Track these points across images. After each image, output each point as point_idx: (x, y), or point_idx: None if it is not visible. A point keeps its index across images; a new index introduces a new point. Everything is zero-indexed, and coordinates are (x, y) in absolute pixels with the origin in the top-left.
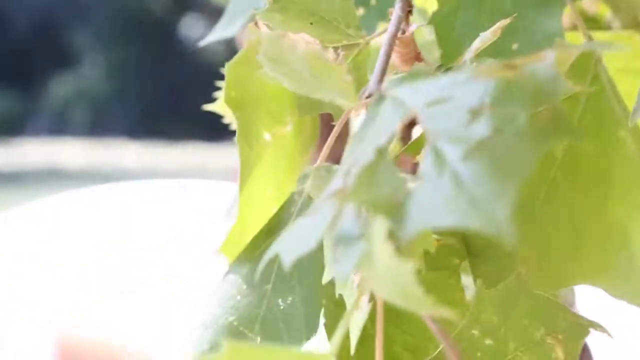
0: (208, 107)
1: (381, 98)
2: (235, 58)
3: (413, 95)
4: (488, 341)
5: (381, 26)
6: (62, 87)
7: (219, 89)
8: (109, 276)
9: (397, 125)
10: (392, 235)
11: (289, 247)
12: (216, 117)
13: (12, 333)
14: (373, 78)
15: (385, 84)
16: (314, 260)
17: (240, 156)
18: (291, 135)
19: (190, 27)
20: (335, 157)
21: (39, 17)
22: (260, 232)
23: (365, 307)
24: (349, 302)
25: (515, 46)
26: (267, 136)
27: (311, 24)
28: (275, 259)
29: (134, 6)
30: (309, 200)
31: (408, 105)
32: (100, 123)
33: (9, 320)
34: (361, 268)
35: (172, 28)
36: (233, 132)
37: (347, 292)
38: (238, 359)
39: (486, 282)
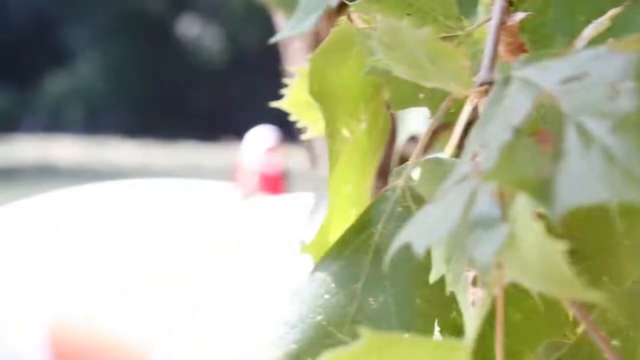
0: (274, 104)
1: (507, 81)
2: (320, 49)
3: (543, 75)
4: (615, 342)
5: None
6: (57, 85)
7: (216, 88)
8: (105, 273)
9: (530, 105)
10: (539, 215)
11: (418, 235)
12: (211, 117)
13: (7, 329)
14: (484, 66)
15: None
16: (407, 259)
17: (328, 151)
18: (365, 132)
19: (187, 25)
20: (386, 158)
21: (35, 15)
22: (349, 230)
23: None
24: (461, 299)
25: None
26: (345, 132)
27: (408, 15)
28: (366, 257)
29: (130, 4)
30: (404, 195)
31: (539, 84)
32: (95, 121)
33: (4, 316)
34: (504, 251)
35: (168, 26)
36: (227, 132)
37: (460, 288)
38: (378, 350)
39: (613, 281)
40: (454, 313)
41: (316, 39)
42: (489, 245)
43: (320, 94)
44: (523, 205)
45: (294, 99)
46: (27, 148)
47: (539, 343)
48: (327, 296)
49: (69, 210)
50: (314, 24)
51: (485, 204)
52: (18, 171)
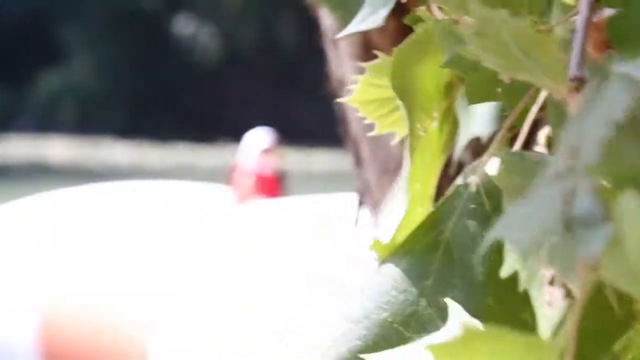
0: (341, 100)
1: (605, 76)
2: (403, 44)
3: None
4: None
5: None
6: (50, 84)
7: (211, 88)
8: (103, 273)
9: (630, 100)
10: None
11: (511, 231)
12: (205, 117)
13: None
14: (574, 62)
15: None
16: (480, 257)
17: (409, 148)
18: (436, 131)
19: (182, 25)
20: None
21: (28, 13)
22: (419, 227)
23: (560, 303)
24: (536, 298)
25: None
26: (420, 130)
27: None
28: (436, 254)
29: (125, 3)
30: (478, 192)
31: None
32: (88, 120)
33: None
34: (605, 252)
35: (163, 26)
36: (222, 133)
37: (535, 286)
38: (473, 343)
39: None
40: (526, 313)
41: (365, 39)
42: (591, 245)
43: (401, 89)
44: (629, 203)
45: (362, 95)
46: (19, 147)
47: (612, 344)
48: (394, 293)
49: (65, 210)
50: (383, 20)
51: (586, 202)
52: (10, 170)
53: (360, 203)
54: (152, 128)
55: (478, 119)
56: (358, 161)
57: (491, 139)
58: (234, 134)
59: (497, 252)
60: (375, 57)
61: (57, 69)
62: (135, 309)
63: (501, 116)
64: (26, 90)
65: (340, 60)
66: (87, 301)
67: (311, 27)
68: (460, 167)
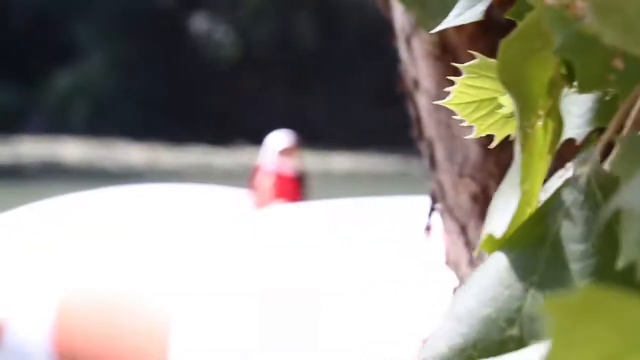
0: (440, 102)
1: None
2: (512, 35)
3: None
4: None
5: None
6: (63, 84)
7: (228, 89)
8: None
9: None
10: None
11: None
12: (221, 118)
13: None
14: None
15: None
16: (591, 249)
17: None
18: (541, 130)
19: (198, 23)
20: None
21: (40, 10)
22: (526, 222)
23: None
24: None
25: None
26: (528, 128)
27: None
28: (544, 248)
29: (140, 1)
30: (589, 183)
31: None
32: (101, 120)
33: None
34: None
35: (179, 24)
36: (238, 134)
37: None
38: (595, 305)
39: None
40: None
41: (440, 38)
42: None
43: (510, 83)
44: None
45: (460, 97)
46: (32, 147)
47: None
48: (499, 289)
49: (88, 211)
50: (482, 14)
51: None
52: (24, 170)
53: (433, 207)
54: (166, 128)
55: (573, 119)
56: (432, 163)
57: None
58: (250, 135)
59: (610, 243)
60: (453, 56)
61: (70, 69)
62: (157, 304)
63: (598, 115)
64: (39, 90)
65: (414, 60)
66: (106, 295)
67: (329, 26)
68: None
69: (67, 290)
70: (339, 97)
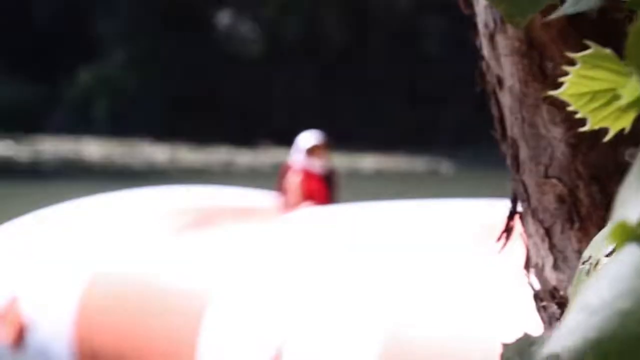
0: (554, 93)
1: None
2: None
3: None
4: None
5: None
6: (85, 81)
7: (253, 87)
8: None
9: None
10: None
11: None
12: (246, 117)
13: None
14: None
15: None
16: None
17: None
18: None
19: (224, 19)
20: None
21: (64, 8)
22: None
23: None
24: None
25: None
26: None
27: None
28: None
29: None
30: None
31: None
32: (124, 118)
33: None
34: None
35: (204, 20)
36: (262, 134)
37: None
38: None
39: None
40: None
41: (526, 34)
42: None
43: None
44: None
45: (574, 88)
46: (55, 145)
47: None
48: (637, 280)
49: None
50: (597, 3)
51: None
52: (46, 169)
53: (514, 209)
54: (189, 126)
55: None
56: (515, 164)
57: None
58: (276, 135)
59: None
60: (540, 53)
61: (93, 68)
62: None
63: None
64: (61, 88)
65: (498, 57)
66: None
67: (357, 23)
68: None
69: (88, 288)
70: (367, 96)
